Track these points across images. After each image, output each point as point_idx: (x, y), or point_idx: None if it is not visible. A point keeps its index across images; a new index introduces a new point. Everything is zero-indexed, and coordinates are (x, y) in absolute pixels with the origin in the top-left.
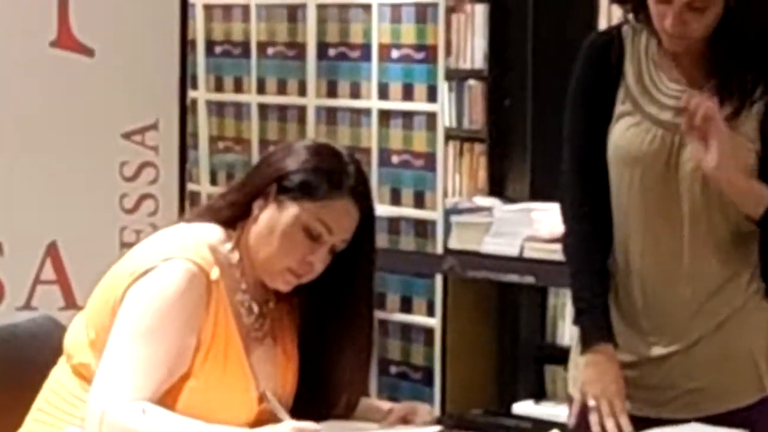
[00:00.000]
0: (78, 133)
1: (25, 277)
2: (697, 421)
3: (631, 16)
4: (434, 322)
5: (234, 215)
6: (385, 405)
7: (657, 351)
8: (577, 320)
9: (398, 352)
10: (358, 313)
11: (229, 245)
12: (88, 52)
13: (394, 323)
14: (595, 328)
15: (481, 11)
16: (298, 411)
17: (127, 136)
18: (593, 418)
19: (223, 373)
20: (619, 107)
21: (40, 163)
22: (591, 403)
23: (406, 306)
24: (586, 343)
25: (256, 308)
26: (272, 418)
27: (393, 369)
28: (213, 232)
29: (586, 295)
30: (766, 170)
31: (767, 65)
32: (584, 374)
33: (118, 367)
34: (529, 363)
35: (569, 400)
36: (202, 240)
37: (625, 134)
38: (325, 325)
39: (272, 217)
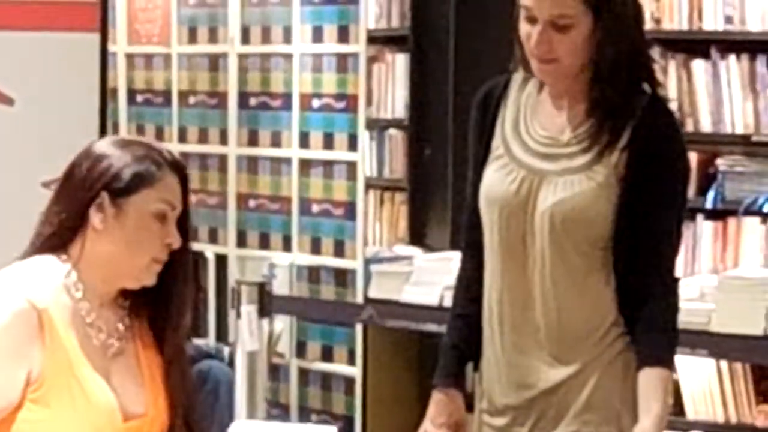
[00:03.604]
0: None
1: None
2: None
3: (519, 65)
4: (355, 371)
5: (66, 239)
6: None
7: (521, 396)
8: (438, 357)
9: (319, 401)
10: (179, 290)
11: (64, 271)
12: (8, 101)
13: (315, 372)
14: (446, 372)
15: (401, 61)
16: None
17: (46, 185)
18: None
19: (72, 401)
20: (494, 152)
21: None
22: None
23: (327, 355)
24: (437, 381)
25: (104, 327)
26: None
27: (314, 417)
28: (46, 263)
29: (446, 338)
30: (626, 217)
31: (633, 114)
32: (429, 410)
33: None
34: None
35: None
36: (34, 273)
37: (491, 176)
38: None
39: (120, 223)
